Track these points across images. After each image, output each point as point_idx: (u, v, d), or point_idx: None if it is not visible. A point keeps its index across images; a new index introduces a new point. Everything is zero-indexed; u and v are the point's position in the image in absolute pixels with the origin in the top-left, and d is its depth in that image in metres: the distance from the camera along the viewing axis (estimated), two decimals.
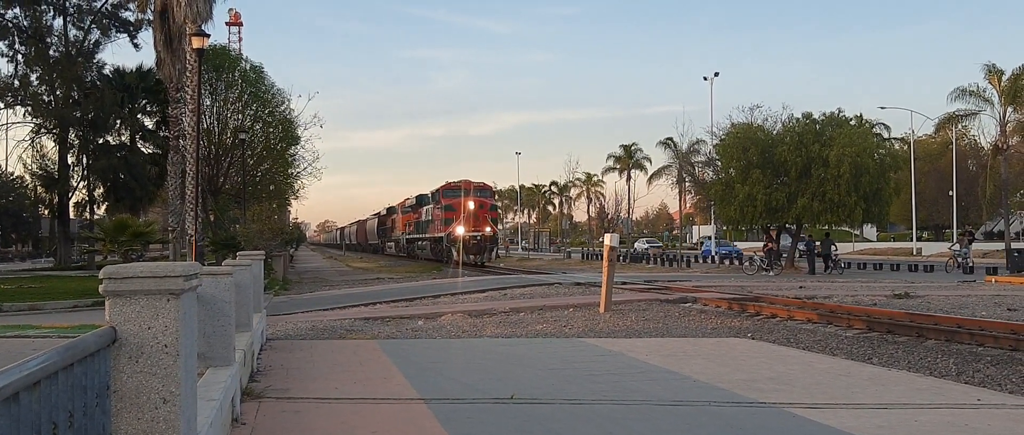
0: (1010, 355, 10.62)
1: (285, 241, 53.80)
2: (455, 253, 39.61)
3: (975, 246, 59.30)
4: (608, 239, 17.45)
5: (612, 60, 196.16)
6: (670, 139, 68.46)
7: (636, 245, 72.45)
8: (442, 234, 45.70)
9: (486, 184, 48.76)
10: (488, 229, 44.11)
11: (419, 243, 54.60)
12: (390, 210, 72.61)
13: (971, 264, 33.76)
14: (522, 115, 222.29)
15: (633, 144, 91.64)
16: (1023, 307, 17.20)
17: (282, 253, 45.90)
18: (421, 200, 55.03)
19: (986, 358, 10.48)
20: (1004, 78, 48.76)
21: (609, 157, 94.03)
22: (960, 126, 55.25)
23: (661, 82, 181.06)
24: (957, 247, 35.07)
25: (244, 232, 33.91)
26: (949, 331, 12.27)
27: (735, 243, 65.61)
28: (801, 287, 24.13)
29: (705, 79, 58.10)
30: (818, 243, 35.48)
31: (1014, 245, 39.81)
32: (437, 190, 48.07)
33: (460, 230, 41.44)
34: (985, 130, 64.97)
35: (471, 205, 42.94)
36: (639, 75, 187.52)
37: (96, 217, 48.27)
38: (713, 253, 52.08)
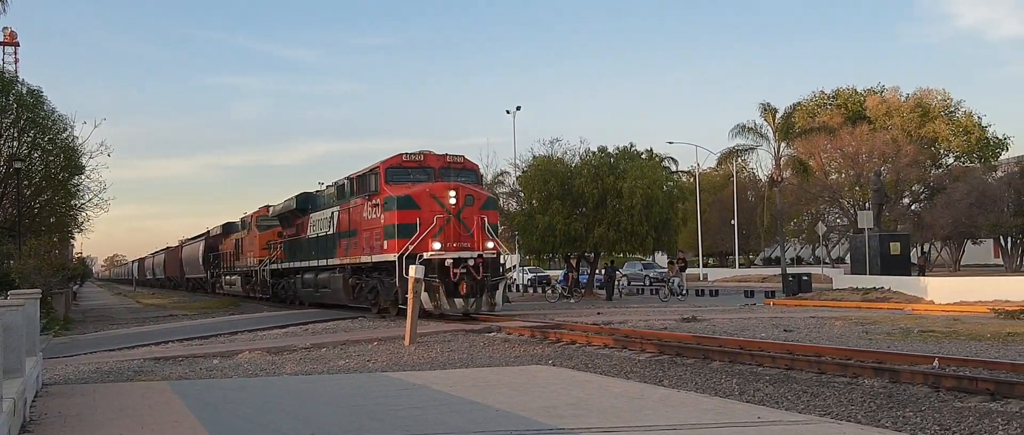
0: (786, 374, 11.42)
1: (67, 277, 48.00)
2: (424, 295, 20.66)
3: (754, 271, 63.80)
4: (413, 271, 17.41)
5: (419, 91, 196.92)
6: None
7: None
8: (383, 256, 23.13)
9: (468, 162, 25.43)
10: (490, 245, 22.72)
11: (309, 277, 30.13)
12: (227, 228, 47.70)
13: (685, 290, 36.05)
14: (328, 145, 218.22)
15: None
16: (797, 328, 18.60)
17: (64, 290, 41.65)
18: (305, 202, 31.65)
19: (765, 377, 11.22)
20: (778, 116, 52.85)
21: None
22: (740, 160, 59.22)
23: (467, 114, 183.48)
24: (668, 274, 37.30)
25: (19, 268, 31.24)
26: (732, 353, 13.06)
27: (546, 271, 67.15)
28: (598, 313, 24.99)
29: (508, 112, 59.33)
30: (602, 270, 37.19)
31: (789, 270, 43.00)
32: (368, 173, 24.91)
33: (435, 247, 21.74)
34: (762, 163, 69.98)
35: (453, 198, 22.41)
36: (446, 106, 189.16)
37: None
38: (520, 282, 53.01)
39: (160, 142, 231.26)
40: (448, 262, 21.58)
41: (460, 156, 24.96)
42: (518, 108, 59.67)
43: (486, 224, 22.63)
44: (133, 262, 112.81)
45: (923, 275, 40.72)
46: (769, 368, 11.94)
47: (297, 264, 31.92)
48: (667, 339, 15.66)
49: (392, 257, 22.05)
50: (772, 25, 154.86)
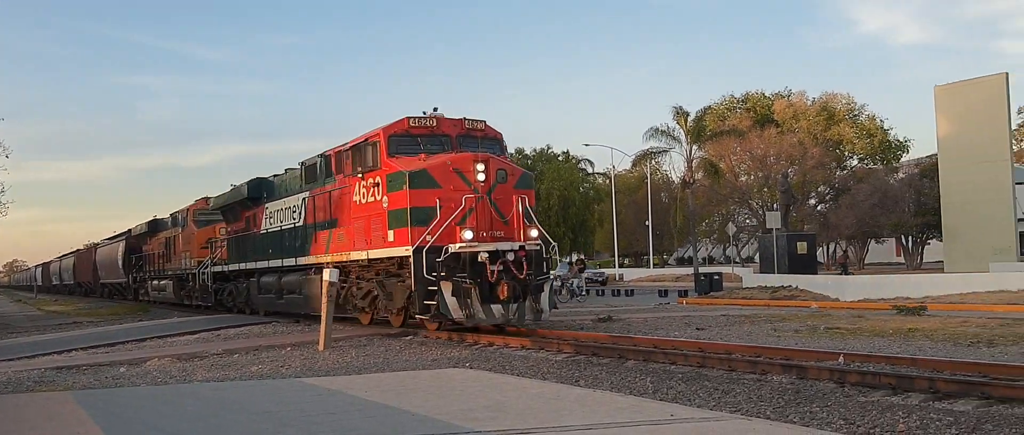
0: (698, 372, 11.65)
1: None
2: (451, 301, 16.48)
3: (668, 270, 64.88)
4: (327, 275, 17.18)
5: (332, 91, 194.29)
6: None
7: None
8: (386, 251, 17.93)
9: (490, 128, 19.65)
10: (533, 234, 17.69)
11: (269, 280, 24.54)
12: (155, 226, 41.41)
13: (585, 291, 36.51)
14: (242, 146, 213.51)
15: None
16: (709, 326, 19.00)
17: None
18: (257, 190, 25.93)
19: (678, 375, 11.42)
20: (689, 119, 53.95)
21: None
22: (653, 162, 60.25)
23: (382, 114, 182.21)
24: (568, 275, 37.77)
25: None
26: (647, 352, 13.26)
27: None
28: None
29: (424, 113, 59.10)
30: None
31: (702, 270, 43.90)
32: (362, 144, 18.98)
33: (466, 237, 16.80)
34: (675, 166, 71.38)
35: (481, 173, 17.35)
36: (360, 106, 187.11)
37: None
38: None
39: (66, 144, 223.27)
40: (482, 256, 16.36)
41: (480, 121, 19.10)
42: (435, 109, 59.47)
43: (525, 206, 17.35)
44: (36, 267, 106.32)
45: (846, 273, 42.09)
46: (682, 366, 12.16)
47: (250, 265, 25.95)
48: (583, 339, 15.80)
49: (402, 251, 16.83)
50: (687, 29, 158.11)
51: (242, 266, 27.01)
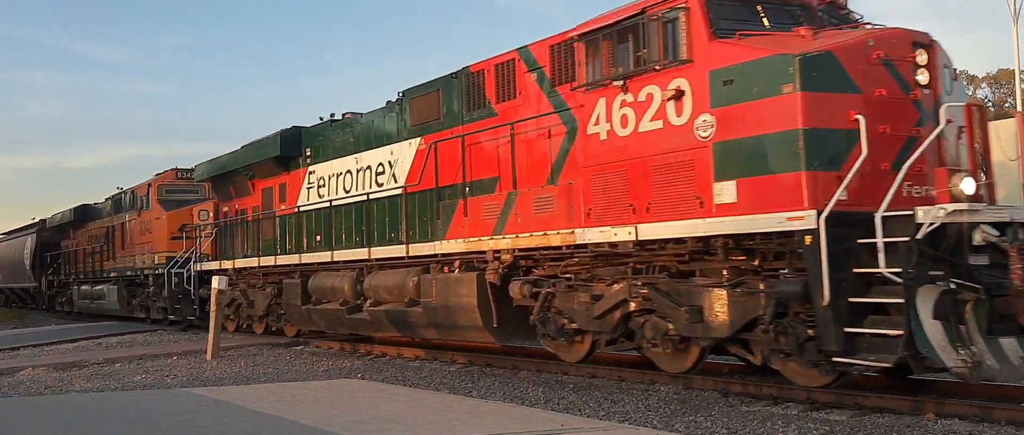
0: (589, 381, 11.83)
1: None
2: (930, 333, 7.69)
3: None
4: (216, 282, 16.76)
5: (230, 92, 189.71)
6: None
7: None
8: (778, 217, 8.47)
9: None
10: None
11: (336, 282, 16.03)
12: (84, 213, 32.55)
13: None
14: (130, 148, 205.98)
15: None
16: None
17: None
18: (295, 144, 18.22)
19: (570, 385, 11.58)
20: None
21: None
22: None
23: (285, 117, 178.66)
24: None
25: None
26: (539, 361, 13.40)
27: None
28: None
29: (320, 119, 58.21)
30: None
31: None
32: (633, 19, 10.01)
33: (966, 188, 8.04)
34: None
35: (923, 69, 8.93)
36: (260, 108, 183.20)
37: None
38: None
39: None
40: (986, 234, 8.20)
41: None
42: (331, 116, 58.59)
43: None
44: None
45: None
46: (573, 376, 12.32)
47: (287, 259, 17.76)
48: (477, 349, 15.85)
49: (801, 223, 8.28)
50: None
51: (268, 261, 18.51)
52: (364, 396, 10.37)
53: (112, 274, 28.66)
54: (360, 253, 15.56)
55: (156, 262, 24.40)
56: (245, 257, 19.69)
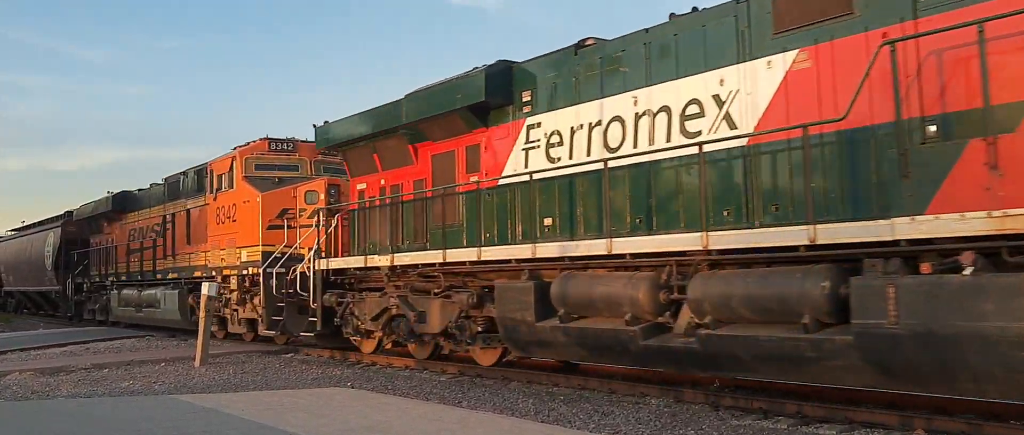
0: (580, 393, 11.80)
1: None
2: None
3: None
4: (206, 289, 16.70)
5: (216, 96, 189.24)
6: None
7: None
8: None
9: None
10: None
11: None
12: (123, 202, 27.78)
13: None
14: (115, 151, 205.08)
15: None
16: None
17: None
18: (526, 78, 12.53)
19: (560, 397, 11.55)
20: None
21: None
22: None
23: (269, 124, 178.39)
24: None
25: None
26: (530, 372, 13.36)
27: None
28: None
29: (314, 127, 58.22)
30: None
31: None
32: None
33: None
34: None
35: None
36: (247, 114, 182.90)
37: None
38: None
39: None
40: None
41: None
42: (326, 123, 58.54)
43: None
44: None
45: None
46: (564, 388, 12.30)
47: (560, 248, 11.57)
48: (468, 359, 15.80)
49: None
50: None
51: (462, 255, 13.14)
52: (353, 405, 10.32)
53: (170, 275, 23.25)
54: (673, 242, 9.99)
55: (244, 259, 19.21)
56: (408, 250, 14.44)
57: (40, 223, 37.16)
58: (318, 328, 16.35)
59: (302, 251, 17.20)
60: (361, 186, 16.29)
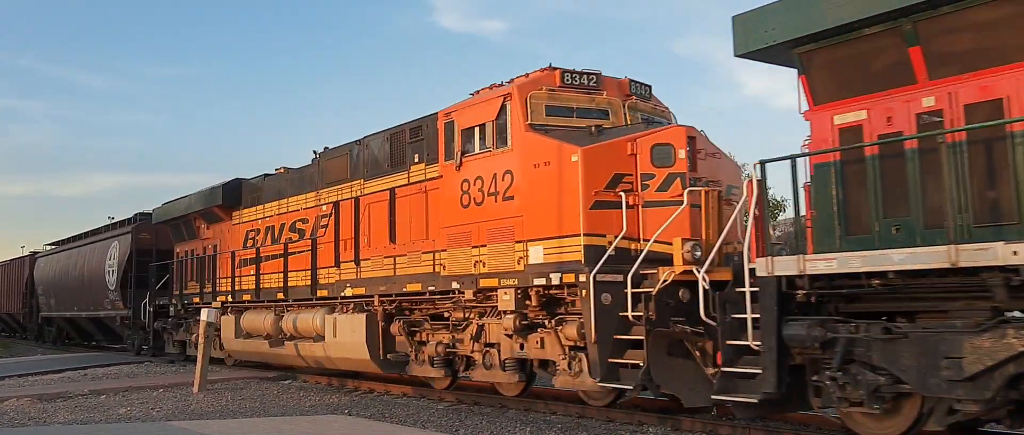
0: (578, 422, 11.78)
1: None
2: None
3: None
4: (205, 315, 16.71)
5: (220, 125, 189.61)
6: None
7: None
8: None
9: None
10: None
11: None
12: (233, 193, 20.68)
13: None
14: (118, 177, 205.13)
15: None
16: None
17: None
18: None
19: (557, 425, 11.52)
20: None
21: None
22: None
23: (271, 150, 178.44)
24: None
25: None
26: (527, 400, 13.33)
27: None
28: None
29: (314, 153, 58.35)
30: None
31: None
32: None
33: None
34: None
35: None
36: (249, 141, 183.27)
37: None
38: None
39: None
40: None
41: None
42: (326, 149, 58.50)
43: None
44: None
45: None
46: (561, 416, 12.27)
47: None
48: (464, 386, 15.79)
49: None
50: None
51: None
52: (349, 432, 10.30)
53: (346, 290, 15.77)
54: None
55: (536, 260, 11.71)
56: None
57: (95, 231, 30.51)
58: (770, 388, 8.59)
59: (659, 247, 10.63)
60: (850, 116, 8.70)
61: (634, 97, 13.06)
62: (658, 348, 10.17)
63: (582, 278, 10.81)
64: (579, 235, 11.18)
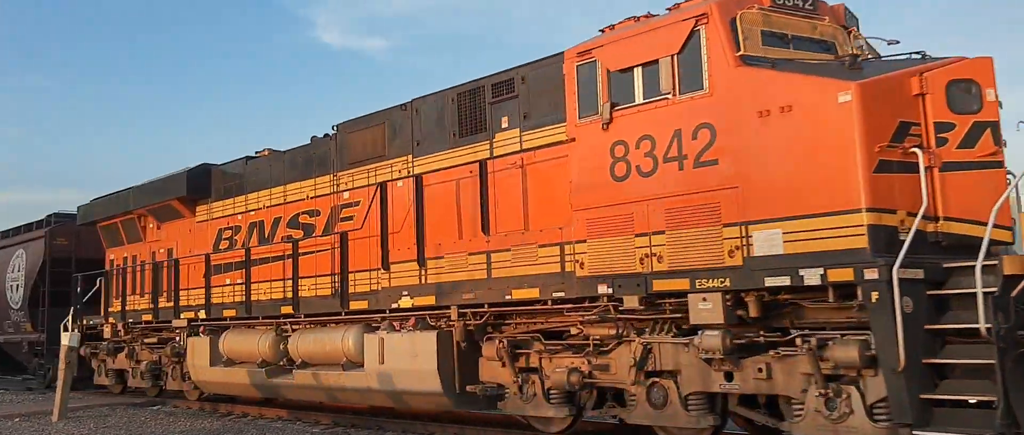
0: None
1: None
2: None
3: None
4: (66, 339, 15.93)
5: (86, 138, 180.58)
6: None
7: None
8: None
9: None
10: None
11: None
12: (199, 180, 16.31)
13: None
14: None
15: None
16: None
17: None
18: None
19: None
20: None
21: None
22: None
23: (163, 163, 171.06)
24: None
25: None
26: (406, 422, 13.22)
27: None
28: None
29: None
30: None
31: None
32: None
33: None
34: None
35: None
36: (136, 154, 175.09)
37: None
38: None
39: None
40: None
41: None
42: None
43: None
44: None
45: None
46: None
47: None
48: (342, 409, 15.55)
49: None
50: None
51: None
52: None
53: (401, 300, 12.03)
54: None
55: (767, 250, 8.20)
56: None
57: (7, 233, 24.56)
58: None
59: (966, 228, 7.90)
60: None
61: (854, 29, 9.62)
62: (1017, 375, 6.90)
63: (872, 275, 7.39)
64: (860, 210, 7.69)
